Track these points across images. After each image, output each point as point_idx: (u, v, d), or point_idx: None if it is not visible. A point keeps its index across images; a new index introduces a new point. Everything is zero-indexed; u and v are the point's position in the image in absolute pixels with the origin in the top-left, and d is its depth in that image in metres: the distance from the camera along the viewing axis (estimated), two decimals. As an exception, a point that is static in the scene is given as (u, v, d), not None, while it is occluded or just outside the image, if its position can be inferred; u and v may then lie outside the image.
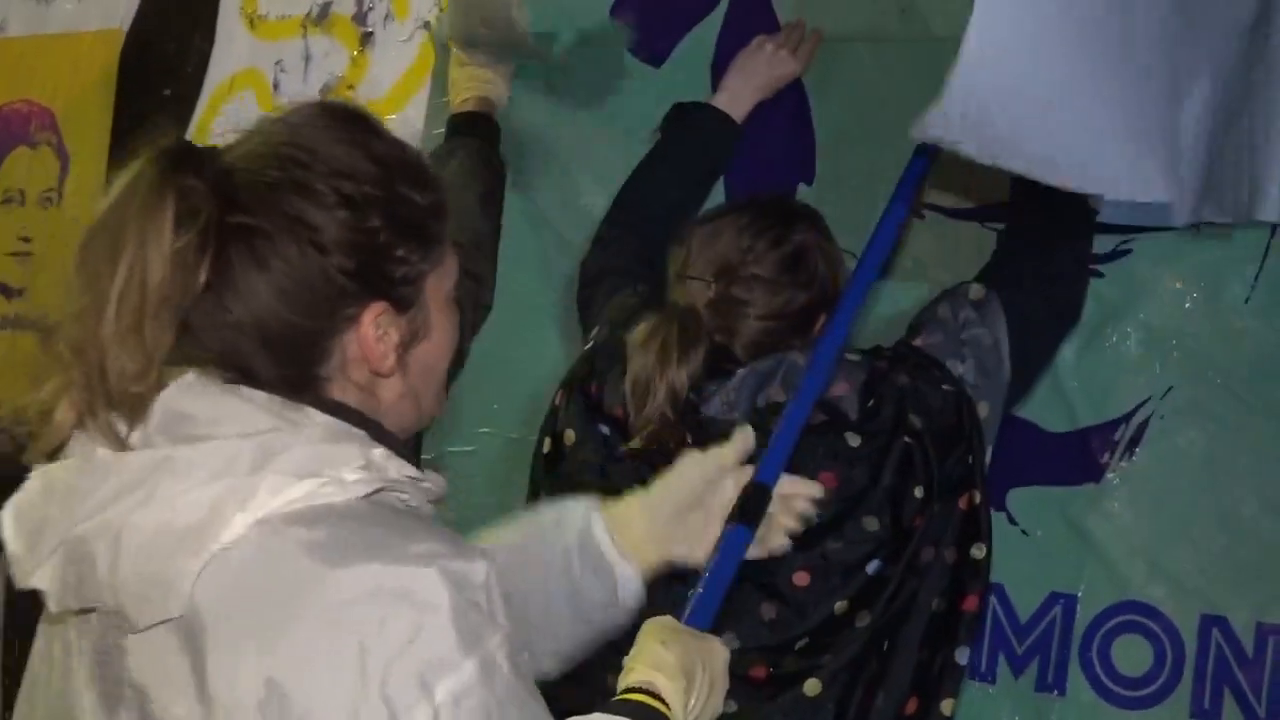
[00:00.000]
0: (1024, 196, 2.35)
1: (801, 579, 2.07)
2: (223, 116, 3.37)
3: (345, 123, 1.52)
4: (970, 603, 2.08)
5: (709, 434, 2.05)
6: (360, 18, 3.21)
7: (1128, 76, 1.99)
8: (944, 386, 2.13)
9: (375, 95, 3.17)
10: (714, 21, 2.80)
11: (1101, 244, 2.40)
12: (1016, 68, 1.87)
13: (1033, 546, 2.39)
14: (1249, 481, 2.29)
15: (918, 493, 2.08)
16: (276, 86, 3.31)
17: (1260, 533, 2.27)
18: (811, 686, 2.05)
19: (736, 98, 2.65)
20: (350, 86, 3.21)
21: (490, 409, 2.90)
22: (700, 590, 1.79)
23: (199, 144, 1.48)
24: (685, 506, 1.87)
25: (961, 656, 2.09)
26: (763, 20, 2.74)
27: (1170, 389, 2.36)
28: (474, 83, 2.86)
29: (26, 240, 3.62)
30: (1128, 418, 2.38)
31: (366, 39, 3.20)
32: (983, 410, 2.16)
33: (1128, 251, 2.40)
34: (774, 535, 1.92)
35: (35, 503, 1.48)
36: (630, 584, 1.83)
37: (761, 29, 2.72)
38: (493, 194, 2.74)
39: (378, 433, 1.49)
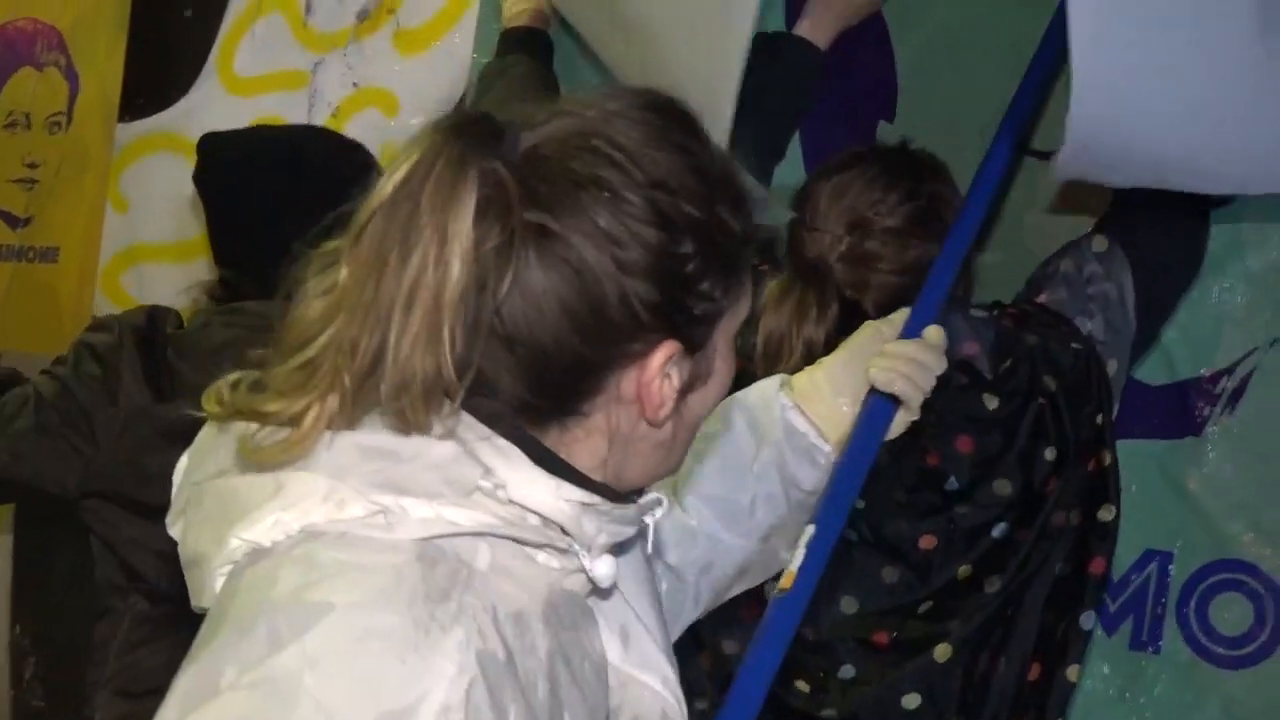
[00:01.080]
0: None
1: (928, 542, 2.01)
2: (249, 39, 3.22)
3: (670, 123, 1.30)
4: (1097, 565, 2.01)
5: None
6: (402, -68, 3.08)
7: (1250, 73, 1.91)
8: (1073, 345, 2.06)
9: (419, 20, 3.05)
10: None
11: (1204, 189, 2.33)
12: (1132, 88, 1.81)
13: (1128, 501, 2.31)
14: (1359, 442, 2.24)
15: (1048, 455, 2.02)
16: (309, 9, 3.17)
17: (1365, 489, 2.22)
18: (942, 652, 1.98)
19: (820, 26, 2.54)
20: (390, 10, 3.08)
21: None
22: (839, 470, 1.77)
23: (492, 118, 1.27)
24: (864, 377, 1.83)
25: (1087, 621, 2.02)
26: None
27: (1276, 340, 2.29)
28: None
29: (33, 166, 3.47)
30: (1230, 370, 2.33)
31: (410, -42, 3.07)
32: (1111, 368, 2.10)
33: (1232, 199, 2.32)
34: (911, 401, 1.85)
35: (195, 452, 1.37)
36: (830, 459, 1.82)
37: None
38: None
39: (582, 481, 1.28)
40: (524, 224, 1.22)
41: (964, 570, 2.01)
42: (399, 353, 1.19)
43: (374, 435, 1.22)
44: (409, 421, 1.21)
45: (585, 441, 1.29)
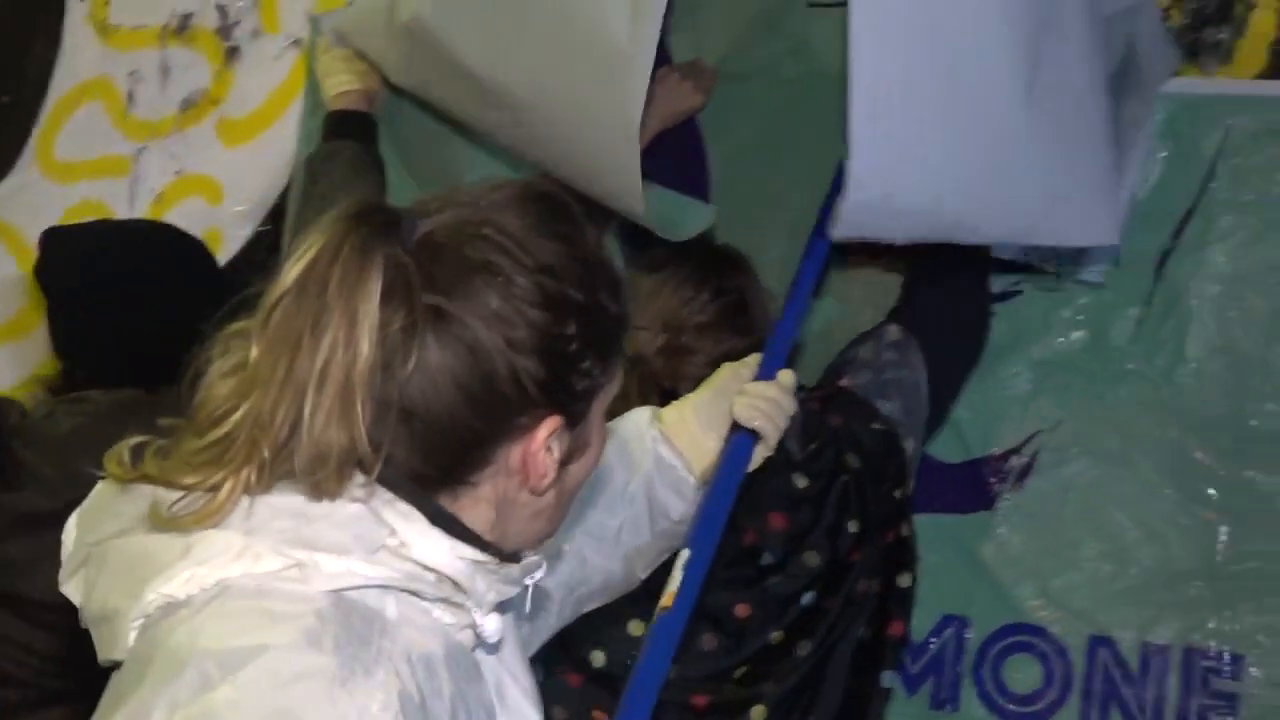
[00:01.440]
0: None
1: (743, 610, 2.15)
2: (70, 126, 3.27)
3: (553, 213, 1.41)
4: (896, 628, 2.20)
5: None
6: (224, 31, 3.16)
7: (1043, 126, 2.11)
8: (873, 425, 2.24)
9: (243, 111, 3.13)
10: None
11: (993, 284, 2.53)
12: (909, 146, 1.99)
13: (926, 571, 2.50)
14: (1131, 510, 2.45)
15: (852, 527, 2.18)
16: (131, 97, 3.22)
17: (1142, 558, 2.43)
18: (758, 714, 2.13)
19: (642, 129, 2.69)
20: (214, 101, 3.16)
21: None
22: (707, 498, 1.89)
23: (406, 211, 1.37)
24: (726, 414, 1.95)
25: (887, 680, 2.20)
26: (657, 57, 2.78)
27: (1059, 422, 2.50)
28: (349, 75, 2.72)
29: None
30: (1018, 449, 2.52)
31: (232, 53, 3.15)
32: (908, 446, 2.27)
33: (1018, 292, 2.54)
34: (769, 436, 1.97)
35: (84, 511, 1.44)
36: (694, 490, 1.92)
37: (656, 65, 2.77)
38: (380, 191, 2.67)
39: (475, 542, 1.38)
40: (424, 307, 1.31)
41: (777, 636, 2.16)
42: (314, 427, 1.29)
43: (286, 498, 1.31)
44: (323, 491, 1.30)
45: (473, 509, 1.39)
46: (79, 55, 3.29)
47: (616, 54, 2.10)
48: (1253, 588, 2.37)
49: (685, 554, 1.85)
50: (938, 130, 2.02)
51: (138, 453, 1.38)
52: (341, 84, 2.71)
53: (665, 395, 2.23)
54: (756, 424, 1.94)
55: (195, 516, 1.30)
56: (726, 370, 2.01)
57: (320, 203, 2.53)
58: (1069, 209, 2.13)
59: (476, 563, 1.37)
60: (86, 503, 1.45)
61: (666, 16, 2.19)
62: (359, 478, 1.32)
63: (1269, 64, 2.45)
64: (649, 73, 2.09)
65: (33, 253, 3.20)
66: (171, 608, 1.29)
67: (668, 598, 1.80)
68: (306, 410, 1.29)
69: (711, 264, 2.36)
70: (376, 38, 2.65)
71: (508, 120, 2.36)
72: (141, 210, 3.19)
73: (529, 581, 1.46)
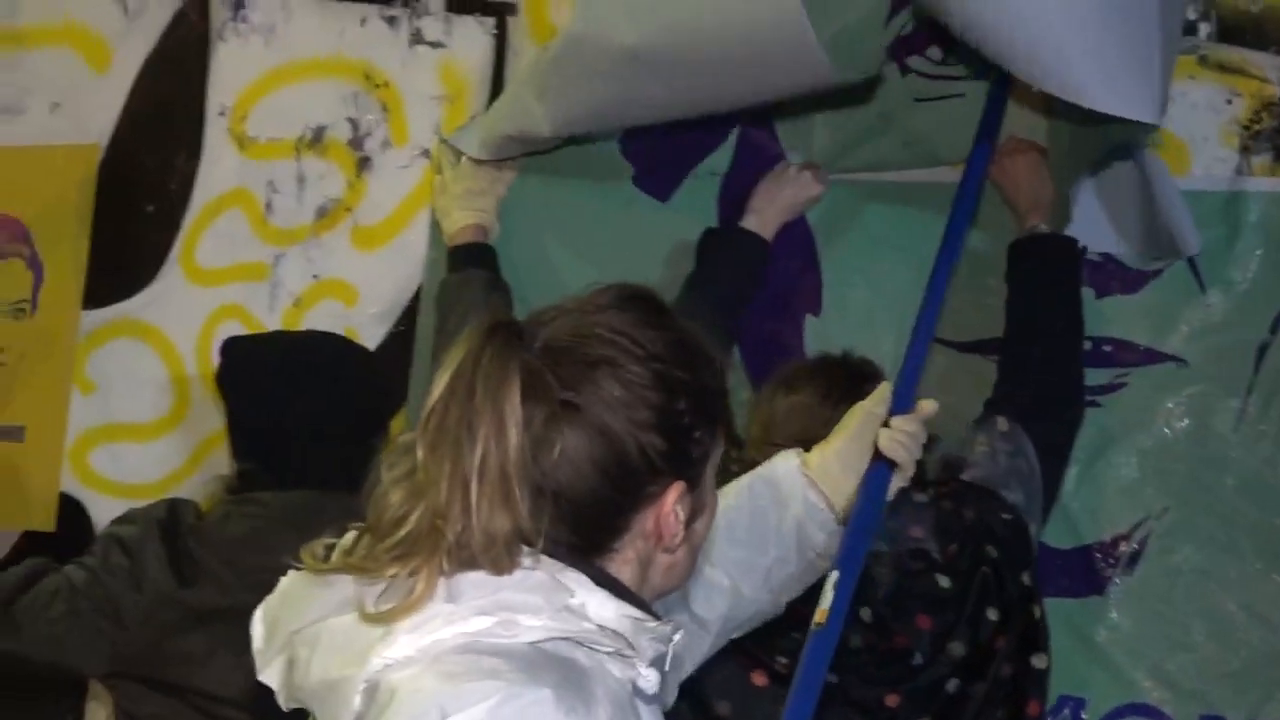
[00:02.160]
0: (1019, 327, 2.60)
1: (892, 700, 2.27)
2: (211, 233, 3.45)
3: (648, 308, 1.61)
4: (1034, 708, 2.31)
5: None
6: (356, 142, 3.32)
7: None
8: (1003, 515, 2.36)
9: (375, 219, 3.29)
10: (721, 159, 2.98)
11: (1099, 377, 2.67)
12: None
13: (1043, 652, 2.62)
14: (1237, 593, 2.57)
15: (992, 615, 2.31)
16: (269, 206, 3.39)
17: (1250, 640, 2.54)
18: None
19: (765, 220, 2.86)
20: (348, 209, 3.32)
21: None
22: (852, 525, 2.04)
23: None
24: (863, 455, 2.09)
25: None
26: (770, 158, 2.94)
27: (1166, 509, 2.61)
28: (467, 211, 3.02)
29: (-2, 351, 3.66)
30: (1127, 535, 2.64)
31: (364, 163, 3.31)
32: (1033, 530, 2.39)
33: (1124, 384, 2.66)
34: (906, 467, 2.11)
35: (274, 604, 1.62)
36: (836, 525, 2.06)
37: (769, 162, 2.93)
38: (509, 312, 2.90)
39: (636, 602, 1.58)
40: (558, 402, 1.51)
41: None
42: (481, 515, 1.48)
43: (474, 573, 1.49)
44: (500, 567, 1.49)
45: (621, 570, 1.59)
46: (219, 166, 3.45)
47: None
48: (1356, 668, 2.48)
49: (834, 575, 2.02)
50: None
51: (330, 548, 1.59)
52: (458, 221, 3.02)
53: None
54: (898, 456, 2.09)
55: (402, 609, 1.48)
56: (859, 412, 2.14)
57: (459, 327, 2.69)
58: (1117, 79, 2.25)
59: (636, 620, 1.54)
60: (275, 596, 1.63)
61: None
62: (525, 552, 1.50)
63: (1358, 164, 2.57)
64: None
65: (177, 353, 3.46)
66: (394, 668, 1.46)
67: (821, 615, 1.99)
68: (473, 500, 1.47)
69: (844, 380, 2.47)
70: (515, 113, 2.89)
71: (678, 74, 2.54)
72: (280, 313, 3.35)
73: (676, 637, 1.61)
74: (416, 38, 3.29)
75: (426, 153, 3.25)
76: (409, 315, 3.23)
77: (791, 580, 2.08)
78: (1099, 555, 2.64)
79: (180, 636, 2.49)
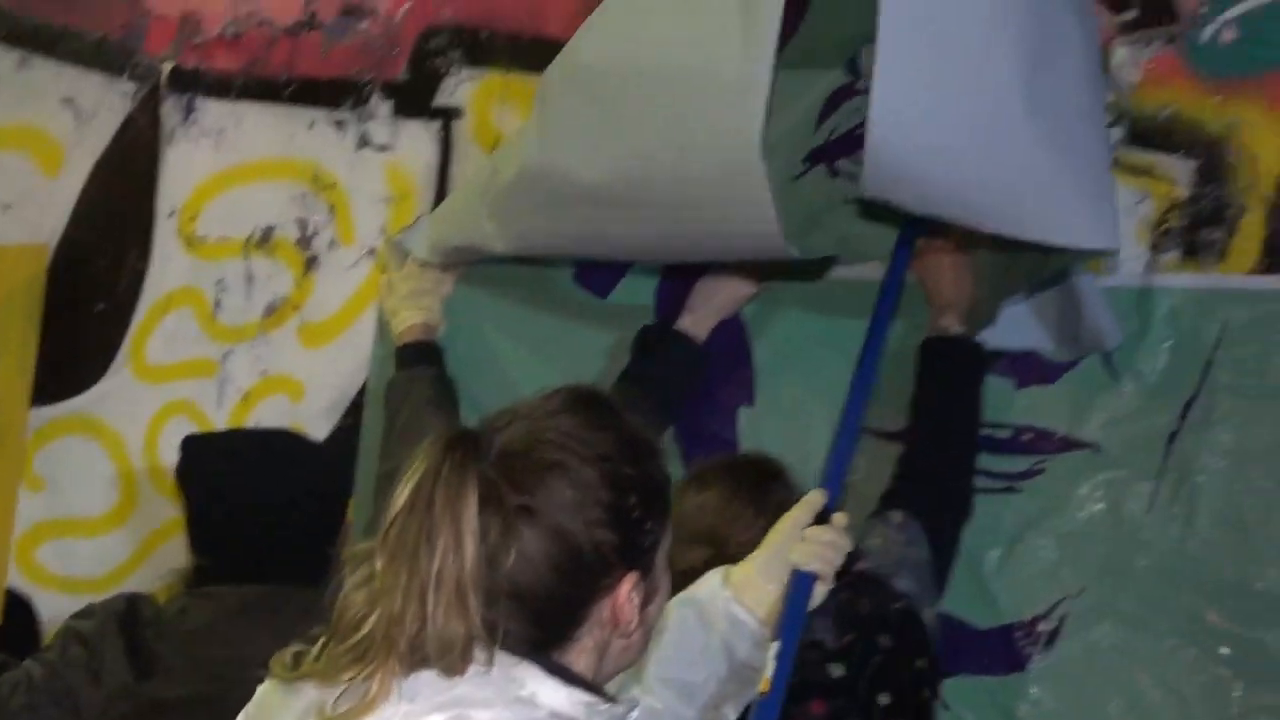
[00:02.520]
0: (920, 424, 2.74)
1: None
2: (160, 331, 3.55)
3: (596, 409, 1.72)
4: None
5: None
6: (304, 242, 3.45)
7: (1045, 133, 2.32)
8: (894, 605, 2.48)
9: (322, 316, 3.42)
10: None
11: (1019, 464, 2.79)
12: (930, 126, 2.26)
13: (968, 729, 2.73)
14: (1152, 669, 2.67)
15: (883, 699, 2.41)
16: (218, 305, 3.51)
17: (1165, 714, 2.65)
18: None
19: (699, 319, 2.96)
20: (296, 307, 3.44)
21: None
22: (783, 635, 2.17)
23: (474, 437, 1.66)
24: (786, 564, 2.20)
25: None
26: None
27: (1083, 589, 2.73)
28: (414, 310, 3.10)
29: (-56, 447, 3.72)
30: (1046, 614, 2.75)
31: (311, 263, 3.44)
32: (927, 617, 2.51)
33: (1041, 470, 2.78)
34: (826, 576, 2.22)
35: (251, 714, 1.73)
36: (764, 636, 2.16)
37: (704, 266, 3.04)
38: (456, 413, 3.01)
39: (586, 687, 1.66)
40: (513, 508, 1.62)
41: None
42: (436, 623, 1.57)
43: (428, 674, 1.59)
44: (454, 670, 1.59)
45: (579, 658, 1.69)
46: (168, 266, 3.58)
47: (732, 86, 2.32)
48: (1267, 740, 2.60)
49: (775, 646, 2.17)
50: (952, 120, 2.28)
51: (298, 657, 1.68)
52: (406, 320, 3.10)
53: None
54: (816, 567, 2.20)
55: (358, 710, 1.58)
56: (786, 523, 2.25)
57: (408, 423, 2.91)
58: (1066, 214, 2.34)
59: (588, 704, 1.63)
60: (251, 706, 1.74)
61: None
62: (479, 648, 1.59)
63: (1260, 261, 2.71)
64: (766, 91, 2.29)
65: (125, 448, 3.54)
66: None
67: (764, 684, 2.15)
68: (429, 609, 1.57)
69: (751, 478, 2.57)
70: (466, 227, 2.97)
71: (629, 216, 2.60)
72: (228, 408, 3.46)
73: (633, 715, 1.71)
74: (363, 141, 3.43)
75: (373, 252, 3.38)
76: (355, 409, 3.34)
77: (730, 694, 2.17)
78: (1019, 634, 2.74)
79: (141, 729, 2.55)
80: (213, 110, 3.57)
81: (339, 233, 3.44)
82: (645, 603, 1.72)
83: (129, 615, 2.63)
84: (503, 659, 1.61)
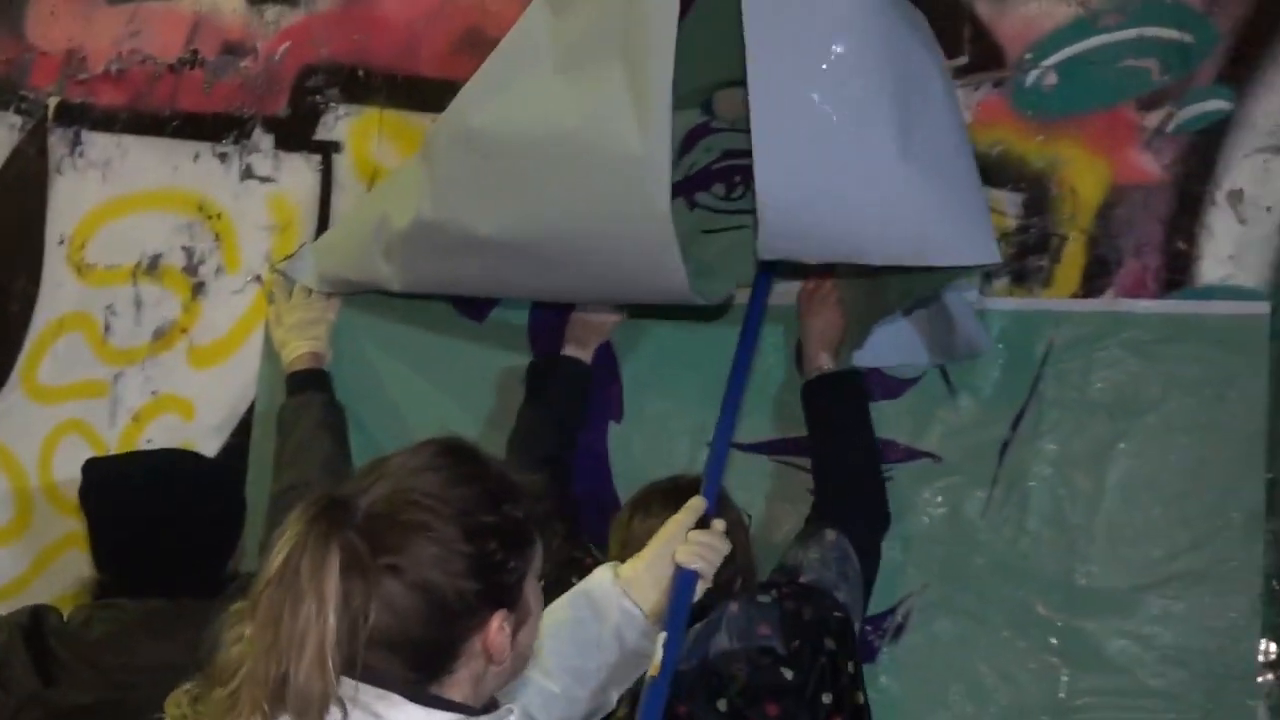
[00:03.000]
0: (824, 458, 2.98)
1: None
2: (51, 355, 3.68)
3: (458, 462, 1.88)
4: None
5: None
6: (191, 269, 3.59)
7: (921, 176, 2.54)
8: (835, 614, 2.71)
9: (210, 339, 3.57)
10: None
11: (867, 472, 3.04)
12: (811, 181, 2.48)
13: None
14: (988, 658, 2.94)
15: (826, 699, 2.64)
16: (108, 328, 3.64)
17: (999, 699, 2.92)
18: None
19: (583, 345, 3.19)
20: (184, 330, 3.58)
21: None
22: (669, 626, 2.38)
23: (344, 499, 1.81)
24: (671, 561, 2.42)
25: None
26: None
27: (926, 585, 2.99)
28: (302, 340, 3.30)
29: None
30: (893, 609, 3.00)
31: (198, 288, 3.58)
32: (856, 627, 2.77)
33: (889, 479, 3.03)
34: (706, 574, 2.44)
35: None
36: (649, 625, 2.38)
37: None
38: (345, 436, 3.23)
39: (455, 708, 1.84)
40: (379, 567, 1.77)
41: None
42: (298, 681, 1.75)
43: None
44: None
45: (457, 689, 1.86)
46: (58, 291, 3.70)
47: (634, 161, 2.53)
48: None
49: (663, 636, 2.38)
50: (833, 174, 2.50)
51: (195, 698, 1.87)
52: (295, 350, 3.30)
53: None
54: (696, 566, 2.42)
55: None
56: (672, 525, 2.48)
57: (300, 446, 3.10)
58: (950, 237, 2.57)
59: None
60: None
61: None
62: (337, 710, 1.77)
63: (1081, 285, 2.98)
64: (669, 168, 2.52)
65: (20, 467, 3.67)
66: None
67: (654, 668, 2.36)
68: (290, 669, 1.74)
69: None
70: (361, 265, 3.16)
71: (533, 267, 2.79)
72: (120, 428, 3.60)
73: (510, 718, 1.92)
74: (247, 173, 3.58)
75: (259, 278, 3.53)
76: (244, 428, 3.50)
77: (618, 678, 2.39)
78: (869, 629, 2.98)
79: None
80: (99, 143, 3.70)
81: (225, 259, 3.58)
82: (516, 630, 1.88)
83: (33, 626, 2.75)
84: (366, 691, 1.78)
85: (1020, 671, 2.93)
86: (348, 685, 1.78)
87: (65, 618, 2.82)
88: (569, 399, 3.17)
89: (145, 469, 2.98)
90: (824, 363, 3.03)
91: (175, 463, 3.06)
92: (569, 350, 3.20)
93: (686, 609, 2.42)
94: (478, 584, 1.83)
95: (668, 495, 2.74)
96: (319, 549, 1.75)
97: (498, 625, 1.85)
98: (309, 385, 3.25)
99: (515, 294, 3.09)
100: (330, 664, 1.73)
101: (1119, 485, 2.93)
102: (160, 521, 2.83)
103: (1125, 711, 2.86)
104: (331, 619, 1.73)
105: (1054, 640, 2.91)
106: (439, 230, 2.87)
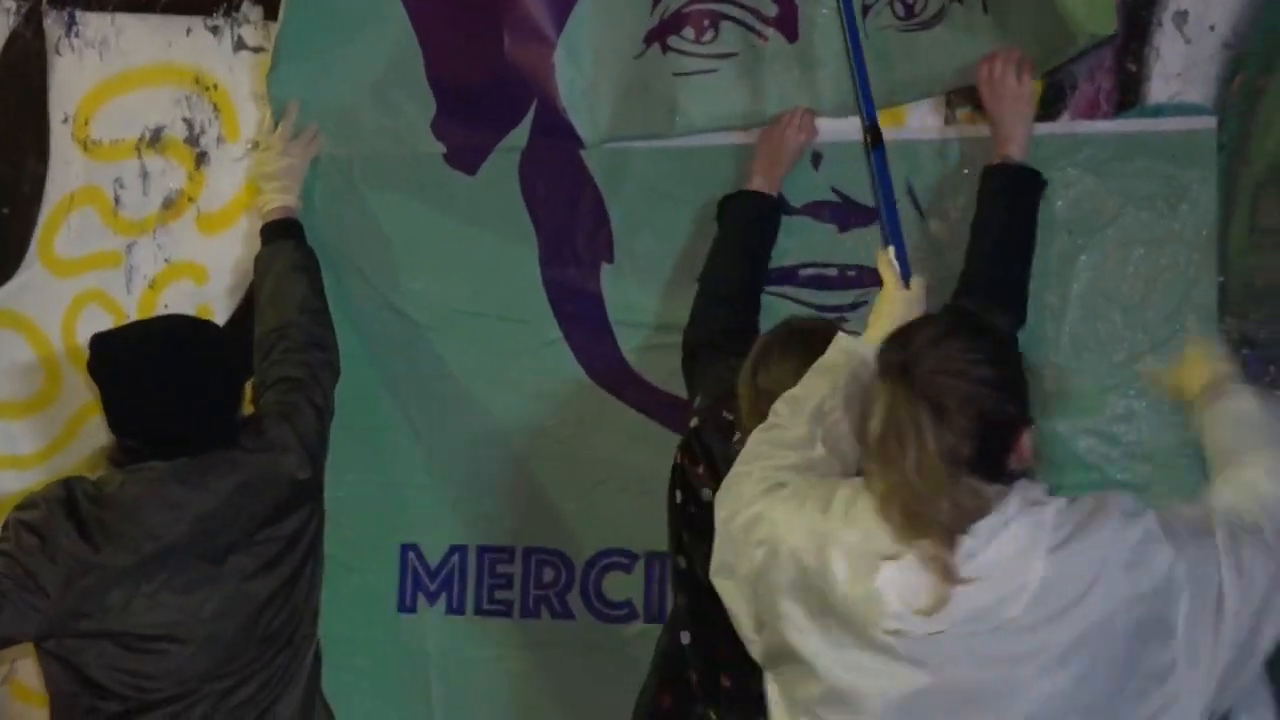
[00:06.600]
0: (985, 241, 3.04)
1: None
2: (65, 229, 3.86)
3: (970, 333, 2.30)
4: None
5: None
6: (192, 140, 3.75)
7: None
8: None
9: (217, 205, 3.74)
10: (520, 135, 3.46)
11: (846, 297, 3.29)
12: None
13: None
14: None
15: None
16: (118, 201, 3.80)
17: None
18: None
19: (769, 176, 3.26)
20: (191, 199, 3.75)
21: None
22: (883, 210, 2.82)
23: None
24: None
25: None
26: (564, 134, 3.42)
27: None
28: (273, 192, 3.49)
29: None
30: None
31: (201, 158, 3.74)
32: None
33: (865, 303, 3.16)
34: None
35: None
36: None
37: (564, 144, 3.42)
38: (317, 277, 3.42)
39: None
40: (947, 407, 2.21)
41: None
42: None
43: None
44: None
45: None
46: (67, 168, 3.85)
47: None
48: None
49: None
50: None
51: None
52: (267, 202, 3.49)
53: None
54: None
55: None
56: (887, 301, 2.77)
57: (275, 290, 3.34)
58: None
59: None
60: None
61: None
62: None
63: (1038, 110, 3.12)
64: None
65: (45, 337, 3.86)
66: None
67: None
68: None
69: (821, 346, 2.67)
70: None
71: None
72: (137, 295, 3.78)
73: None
74: (239, 44, 3.72)
75: (257, 144, 3.68)
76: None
77: None
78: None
79: (100, 594, 2.87)
80: (93, 23, 3.82)
81: (224, 129, 3.73)
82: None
83: (69, 499, 2.92)
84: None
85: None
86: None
87: (96, 483, 2.98)
88: (760, 234, 3.24)
89: (149, 336, 3.11)
90: (1012, 152, 3.03)
91: (178, 328, 3.17)
92: (755, 182, 3.25)
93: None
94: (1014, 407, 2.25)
95: (787, 344, 2.75)
96: (908, 402, 2.19)
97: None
98: (280, 234, 3.43)
99: None
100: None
101: (1081, 296, 3.11)
102: (166, 383, 2.98)
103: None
104: (931, 445, 2.17)
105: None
106: None
